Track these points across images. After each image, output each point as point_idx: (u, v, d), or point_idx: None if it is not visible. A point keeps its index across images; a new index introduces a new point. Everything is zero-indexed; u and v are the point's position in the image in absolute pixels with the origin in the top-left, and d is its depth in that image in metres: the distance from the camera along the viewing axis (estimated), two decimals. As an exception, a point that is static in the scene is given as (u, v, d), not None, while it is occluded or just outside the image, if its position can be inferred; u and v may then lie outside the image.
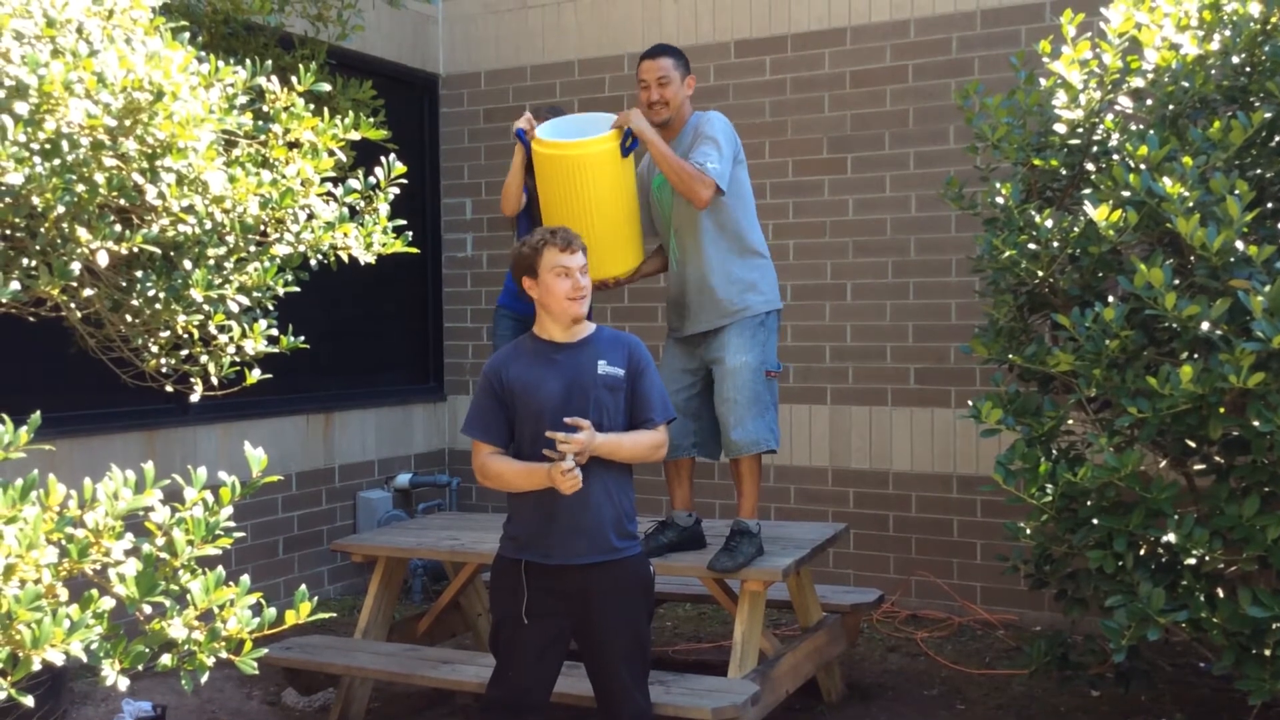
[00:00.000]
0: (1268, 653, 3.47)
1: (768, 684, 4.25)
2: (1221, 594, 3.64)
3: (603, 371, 3.55)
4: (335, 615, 4.88)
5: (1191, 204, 3.50)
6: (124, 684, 2.04)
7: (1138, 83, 4.19)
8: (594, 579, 3.48)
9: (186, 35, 2.76)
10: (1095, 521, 3.72)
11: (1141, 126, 4.07)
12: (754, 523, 4.52)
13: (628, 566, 3.55)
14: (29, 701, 1.89)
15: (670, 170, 4.33)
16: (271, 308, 3.16)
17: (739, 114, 6.00)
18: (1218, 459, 3.85)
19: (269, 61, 3.00)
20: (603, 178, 4.33)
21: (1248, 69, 4.07)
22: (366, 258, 3.19)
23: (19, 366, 5.08)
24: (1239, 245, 3.45)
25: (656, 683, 4.16)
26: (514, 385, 3.51)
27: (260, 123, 2.98)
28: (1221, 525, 3.54)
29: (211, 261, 2.93)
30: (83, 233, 2.59)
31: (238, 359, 3.11)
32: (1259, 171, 3.92)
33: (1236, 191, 3.45)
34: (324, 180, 3.05)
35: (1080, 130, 4.19)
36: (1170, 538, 3.57)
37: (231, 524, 2.23)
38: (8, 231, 2.63)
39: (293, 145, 3.04)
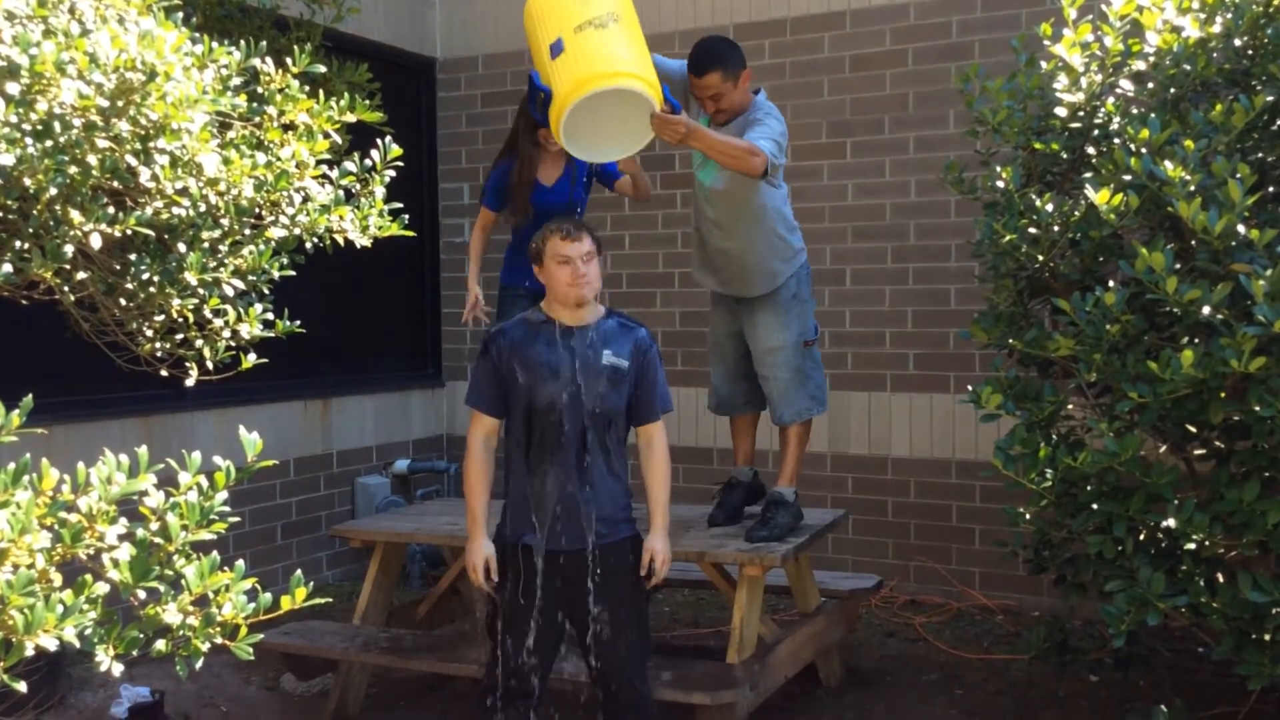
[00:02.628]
0: (1267, 638, 3.46)
1: (766, 669, 4.25)
2: (1221, 579, 3.63)
3: (607, 361, 3.55)
4: (333, 601, 4.89)
5: (1193, 188, 3.48)
6: (118, 669, 2.03)
7: (1139, 66, 4.16)
8: (594, 562, 3.51)
9: (180, 16, 2.74)
10: (1095, 506, 3.71)
11: (1143, 110, 4.05)
12: (790, 490, 4.69)
13: (627, 548, 3.58)
14: (22, 687, 1.88)
15: (721, 156, 4.16)
16: (267, 292, 3.14)
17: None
18: (1218, 444, 3.83)
19: (264, 43, 2.97)
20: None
21: (1250, 52, 4.04)
22: (362, 241, 3.18)
23: (12, 351, 5.06)
24: (1240, 229, 3.43)
25: (655, 668, 4.16)
26: (514, 358, 3.53)
27: (255, 105, 2.95)
28: (1222, 510, 3.53)
29: (206, 245, 2.90)
30: (76, 215, 2.57)
31: (233, 344, 3.09)
32: (1261, 155, 3.89)
33: (1238, 175, 3.43)
34: (319, 163, 3.03)
35: (1081, 114, 4.17)
36: (1170, 523, 3.56)
37: (226, 509, 2.21)
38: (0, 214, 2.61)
39: (288, 127, 3.02)
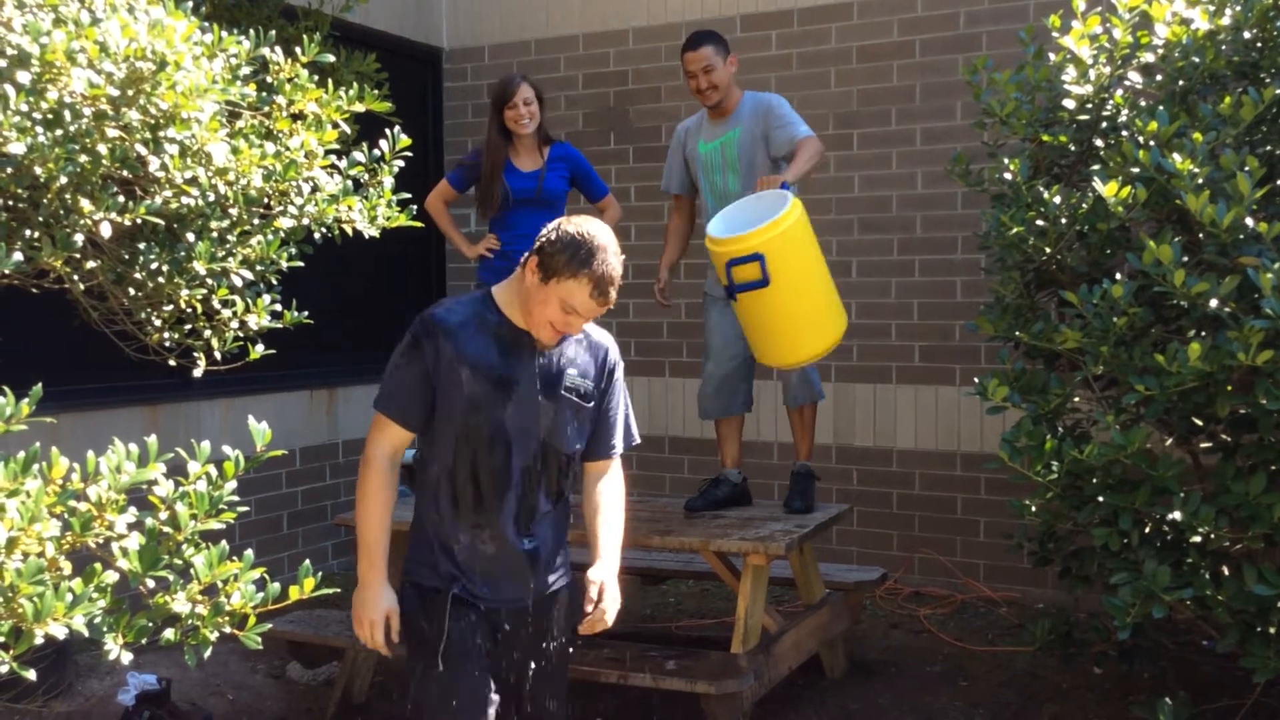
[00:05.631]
0: (1272, 630, 3.46)
1: (770, 659, 4.26)
2: (1227, 572, 3.63)
3: (571, 383, 2.90)
4: (339, 590, 4.86)
5: (1201, 180, 3.47)
6: (127, 658, 2.04)
7: (1148, 58, 4.15)
8: (530, 616, 2.94)
9: (189, 5, 2.73)
10: (1100, 499, 3.71)
11: (1151, 102, 4.04)
12: (811, 464, 4.98)
13: (563, 598, 3.05)
14: (31, 675, 1.89)
15: (811, 168, 4.68)
16: (275, 282, 3.14)
17: (744, 89, 5.95)
18: (1224, 437, 3.83)
19: (272, 32, 2.97)
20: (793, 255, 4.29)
21: (1259, 44, 4.03)
22: (370, 231, 3.18)
23: (21, 339, 5.06)
24: (1249, 222, 3.42)
25: (659, 657, 4.17)
26: (460, 360, 2.77)
27: (264, 94, 2.95)
28: (1227, 503, 3.53)
29: (215, 234, 2.91)
30: (85, 204, 2.58)
31: (241, 334, 3.09)
32: (1269, 148, 3.88)
33: (1247, 168, 3.42)
34: (328, 153, 3.03)
35: (1089, 106, 4.16)
36: (1176, 515, 3.56)
37: (235, 498, 2.22)
38: (10, 202, 2.61)
39: (297, 117, 3.02)
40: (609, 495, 3.03)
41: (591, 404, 2.95)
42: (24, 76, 2.37)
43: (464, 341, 2.78)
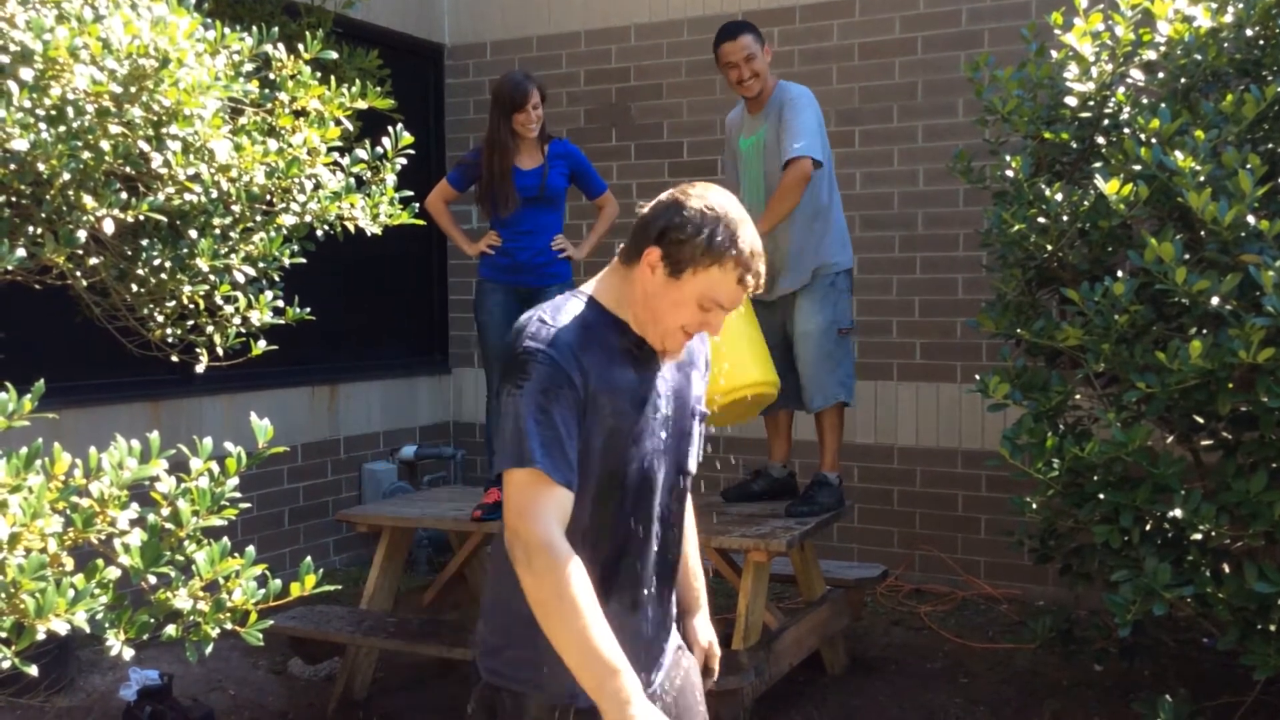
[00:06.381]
0: (1273, 628, 3.47)
1: (771, 656, 4.26)
2: (1227, 569, 3.63)
3: (697, 389, 2.34)
4: (340, 586, 4.88)
5: (1203, 178, 3.47)
6: (128, 654, 2.04)
7: (1150, 55, 4.15)
8: (658, 699, 2.28)
9: (192, 1, 2.73)
10: (1102, 496, 3.71)
11: (1153, 100, 4.04)
12: (834, 474, 4.84)
13: (684, 667, 2.42)
14: (32, 671, 1.89)
15: (787, 206, 4.59)
16: (277, 279, 3.14)
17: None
18: (1225, 434, 3.83)
19: (275, 29, 2.97)
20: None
21: (1261, 42, 4.03)
22: (372, 229, 3.17)
23: (24, 335, 5.07)
24: (1250, 220, 3.42)
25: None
26: (602, 383, 2.10)
27: (266, 91, 2.95)
28: (1228, 501, 3.53)
29: (217, 231, 2.91)
30: (88, 200, 2.58)
31: (243, 330, 3.09)
32: (1271, 145, 3.88)
33: (1248, 165, 3.42)
34: (330, 150, 3.03)
35: (1091, 103, 4.16)
36: (1177, 513, 3.56)
37: (237, 495, 2.22)
38: (13, 198, 2.62)
39: (299, 114, 3.01)
40: (689, 519, 2.49)
41: (705, 411, 2.37)
42: (27, 73, 2.37)
43: (599, 360, 2.11)
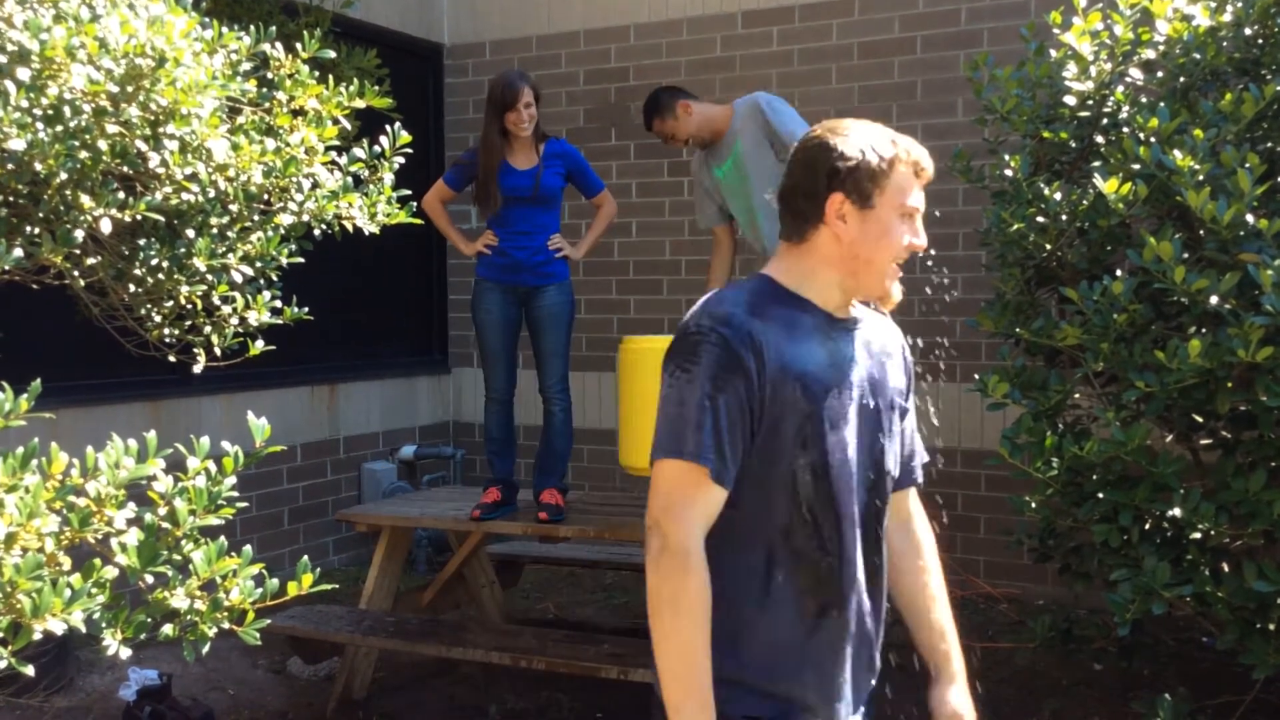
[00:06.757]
0: (1272, 627, 3.46)
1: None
2: (1227, 569, 3.63)
3: (895, 379, 2.15)
4: (339, 586, 4.88)
5: (1202, 177, 3.47)
6: (125, 653, 2.03)
7: (1149, 54, 4.15)
8: None
9: (189, 0, 2.73)
10: (1101, 496, 3.71)
11: (1152, 99, 4.04)
12: None
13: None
14: (29, 671, 1.89)
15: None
16: (275, 278, 3.14)
17: (745, 86, 5.95)
18: (1225, 434, 3.83)
19: (273, 28, 2.96)
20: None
21: (1260, 41, 4.02)
22: (371, 228, 3.17)
23: (22, 335, 5.07)
24: (1249, 219, 3.42)
25: (647, 654, 4.16)
26: (788, 368, 1.93)
27: (264, 90, 2.95)
28: (1228, 500, 3.53)
29: (215, 230, 2.90)
30: (86, 200, 2.57)
31: (241, 330, 3.09)
32: (1270, 144, 3.88)
33: (1247, 165, 3.42)
34: (328, 149, 3.02)
35: (1090, 102, 4.15)
36: (1176, 512, 3.56)
37: (235, 494, 2.22)
38: (10, 198, 2.62)
39: (297, 113, 3.01)
40: (931, 551, 2.28)
41: (909, 404, 2.20)
42: (24, 73, 2.37)
43: (781, 338, 1.93)
